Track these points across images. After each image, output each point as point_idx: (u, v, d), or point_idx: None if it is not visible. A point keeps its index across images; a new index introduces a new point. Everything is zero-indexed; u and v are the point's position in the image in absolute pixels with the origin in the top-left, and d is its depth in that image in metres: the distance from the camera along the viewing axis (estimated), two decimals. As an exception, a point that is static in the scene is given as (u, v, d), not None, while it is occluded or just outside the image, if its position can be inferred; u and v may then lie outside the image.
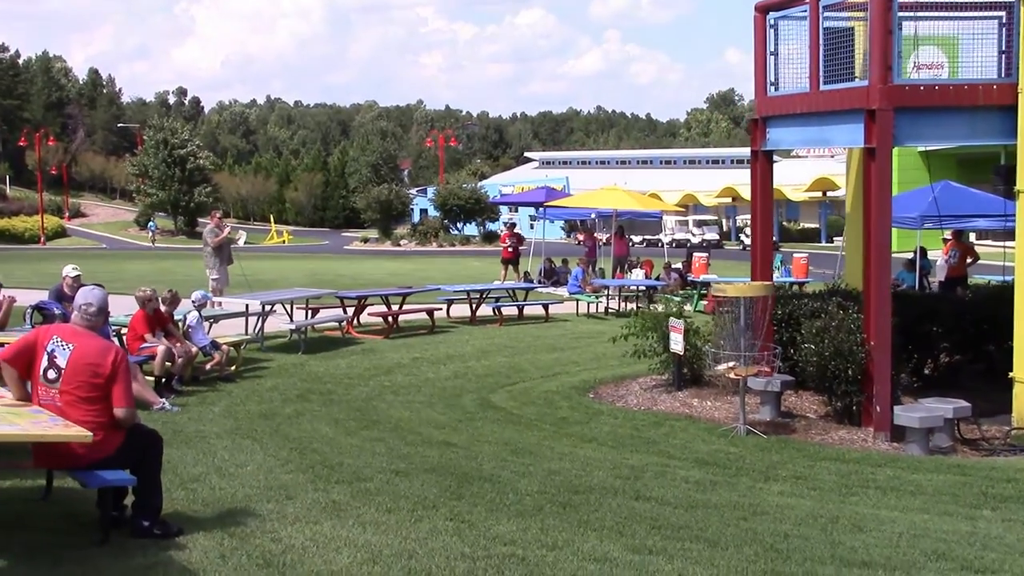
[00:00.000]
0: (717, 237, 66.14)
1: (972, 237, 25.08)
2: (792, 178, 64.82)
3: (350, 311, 19.72)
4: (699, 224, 68.28)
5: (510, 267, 30.54)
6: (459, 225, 67.43)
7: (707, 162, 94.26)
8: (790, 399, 12.70)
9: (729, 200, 71.84)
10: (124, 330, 13.48)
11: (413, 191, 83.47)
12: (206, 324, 14.64)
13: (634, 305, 24.14)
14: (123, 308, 14.89)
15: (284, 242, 73.55)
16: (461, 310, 21.96)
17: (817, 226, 68.18)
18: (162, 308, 13.33)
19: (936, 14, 12.11)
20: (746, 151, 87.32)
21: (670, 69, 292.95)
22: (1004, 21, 11.95)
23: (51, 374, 6.60)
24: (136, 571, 6.12)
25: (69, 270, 14.03)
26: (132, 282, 23.38)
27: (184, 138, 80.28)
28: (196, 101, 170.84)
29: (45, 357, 6.64)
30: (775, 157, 13.96)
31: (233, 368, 14.30)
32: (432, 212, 70.83)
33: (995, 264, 24.66)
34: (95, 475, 6.51)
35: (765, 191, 13.27)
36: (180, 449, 9.31)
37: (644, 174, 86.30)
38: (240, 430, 10.70)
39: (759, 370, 11.53)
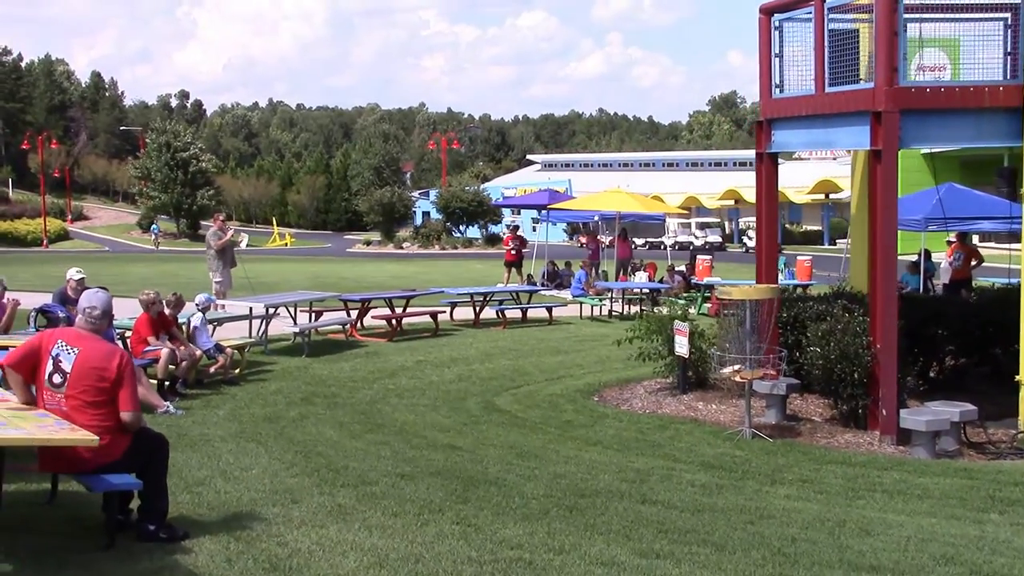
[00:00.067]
0: (720, 240, 66.10)
1: (975, 239, 25.06)
2: (794, 180, 64.79)
3: (353, 314, 19.69)
4: (702, 227, 68.26)
5: (513, 270, 30.52)
6: (462, 228, 67.45)
7: (709, 164, 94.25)
8: (795, 402, 12.67)
9: (732, 202, 71.88)
10: (128, 333, 13.46)
11: (415, 194, 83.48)
12: (210, 327, 14.64)
13: (637, 308, 24.10)
14: (127, 311, 14.90)
15: (286, 245, 73.57)
16: (464, 313, 21.94)
17: (820, 228, 68.15)
18: (166, 311, 13.32)
19: (941, 16, 12.08)
20: (749, 153, 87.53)
21: (672, 71, 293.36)
22: (1010, 22, 11.90)
23: (56, 378, 6.58)
24: (142, 575, 6.10)
25: (73, 273, 14.01)
26: (135, 285, 23.40)
27: (187, 141, 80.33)
28: (198, 104, 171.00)
29: (50, 361, 6.61)
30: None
31: (237, 371, 14.28)
32: (434, 215, 70.89)
33: (999, 267, 24.65)
34: (101, 479, 6.49)
35: (770, 193, 13.25)
36: (185, 452, 9.29)
37: (646, 177, 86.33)
38: (244, 433, 10.68)
39: (764, 373, 11.49)
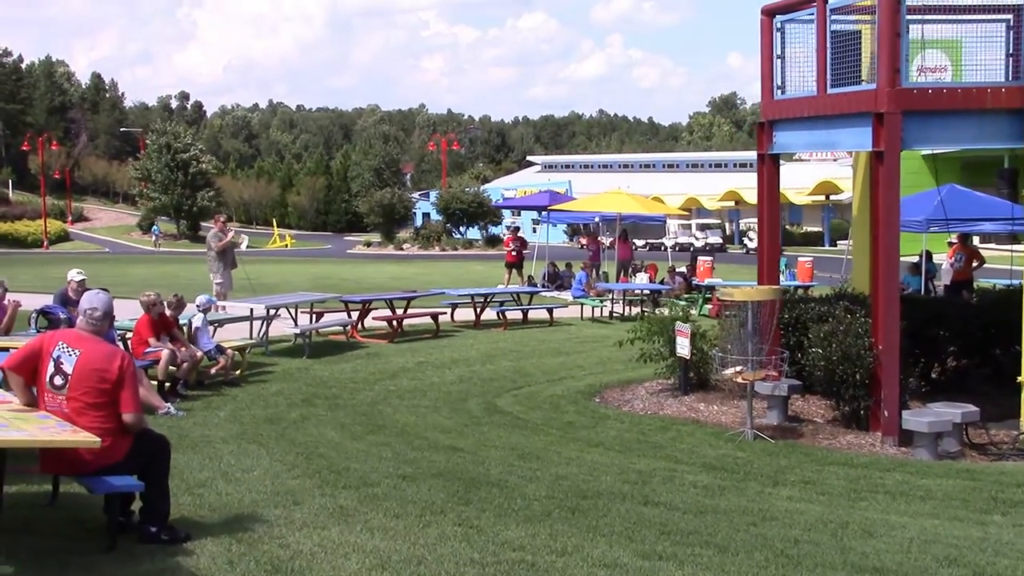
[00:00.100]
0: (720, 241, 66.09)
1: (975, 241, 25.04)
2: (795, 182, 64.77)
3: (354, 315, 19.68)
4: (702, 228, 68.24)
5: (514, 271, 30.51)
6: (462, 229, 67.44)
7: (710, 166, 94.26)
8: (797, 403, 12.66)
9: (732, 204, 71.86)
10: (129, 334, 13.45)
11: (415, 195, 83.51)
12: (210, 328, 14.62)
13: (638, 309, 24.09)
14: (128, 312, 14.89)
15: (287, 246, 73.59)
16: (465, 314, 21.92)
17: (820, 230, 68.11)
18: (167, 312, 13.31)
19: (943, 17, 12.07)
20: (749, 155, 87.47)
21: (672, 73, 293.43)
22: (1012, 24, 11.91)
23: (58, 380, 6.56)
24: (144, 577, 6.09)
25: (74, 274, 14.00)
26: (136, 286, 23.39)
27: (187, 142, 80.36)
28: (198, 105, 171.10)
29: (51, 363, 6.59)
30: (778, 160, 13.88)
31: (238, 372, 14.27)
32: (435, 216, 70.90)
33: (1000, 268, 24.66)
34: (103, 481, 6.47)
35: (772, 195, 13.24)
36: (186, 454, 9.27)
37: (647, 178, 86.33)
38: (246, 435, 10.66)
39: (766, 374, 11.48)
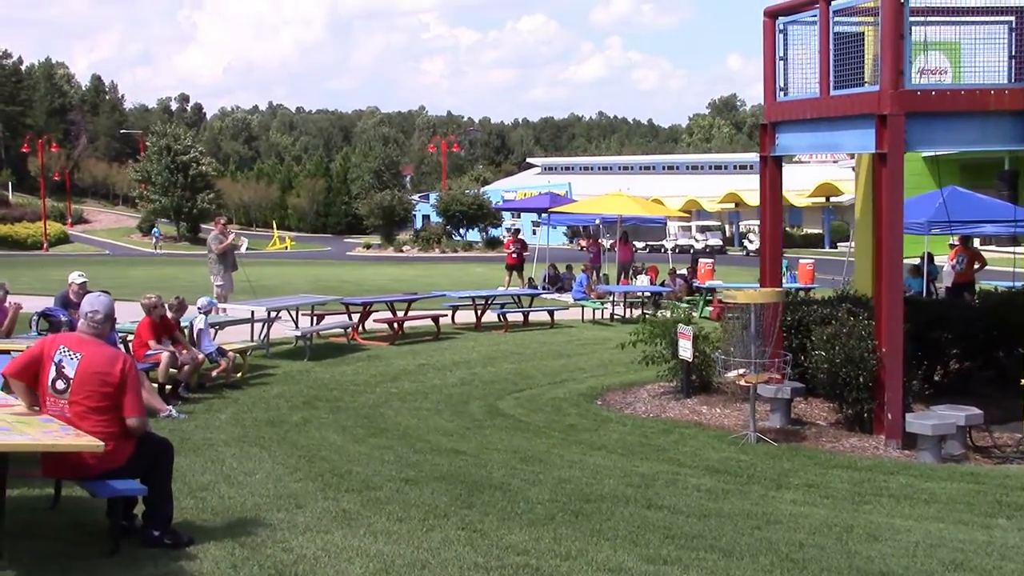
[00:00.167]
0: (720, 243, 66.11)
1: (976, 243, 25.01)
2: (795, 183, 64.77)
3: (355, 317, 19.65)
4: (702, 230, 68.25)
5: (514, 273, 30.49)
6: (462, 231, 67.42)
7: (710, 168, 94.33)
8: (800, 406, 12.62)
9: (732, 206, 71.88)
10: (130, 337, 13.41)
11: (415, 197, 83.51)
12: (212, 330, 14.59)
13: (639, 311, 24.07)
14: (129, 315, 14.86)
15: (286, 248, 73.55)
16: (466, 316, 21.89)
17: (820, 231, 68.13)
18: (169, 315, 13.27)
19: (946, 19, 12.05)
20: (749, 156, 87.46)
21: (672, 75, 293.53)
22: (1014, 25, 11.90)
23: (60, 384, 6.53)
24: (147, 582, 6.06)
25: (75, 276, 13.97)
26: (137, 288, 23.35)
27: (187, 144, 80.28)
28: (198, 107, 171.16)
29: (53, 367, 6.55)
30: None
31: (239, 375, 14.24)
32: (435, 218, 70.89)
33: (1000, 270, 24.63)
34: (105, 485, 6.44)
35: (774, 197, 13.21)
36: (188, 457, 9.23)
37: (647, 180, 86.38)
38: (248, 438, 10.63)
39: (769, 377, 11.45)
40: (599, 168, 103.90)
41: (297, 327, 17.79)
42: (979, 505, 8.82)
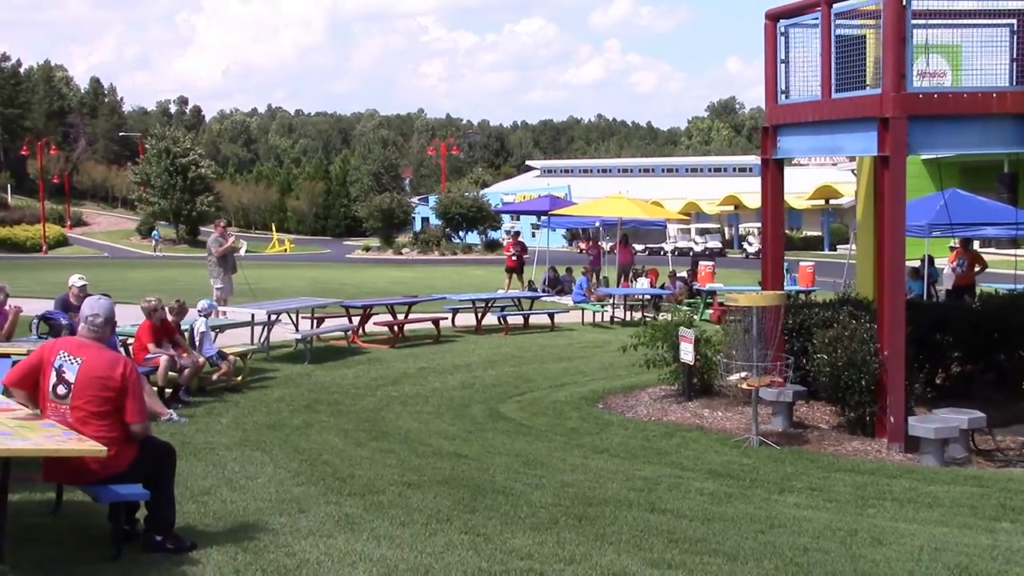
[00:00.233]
0: (720, 245, 66.10)
1: (976, 245, 25.02)
2: (794, 186, 64.73)
3: (355, 320, 19.63)
4: (702, 232, 68.22)
5: (514, 276, 30.48)
6: (461, 234, 67.38)
7: (709, 170, 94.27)
8: (801, 409, 12.61)
9: (731, 208, 71.85)
10: (131, 340, 13.39)
11: (415, 200, 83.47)
12: (212, 334, 14.56)
13: (639, 314, 24.06)
14: (129, 318, 14.81)
15: (286, 251, 73.51)
16: (466, 319, 21.87)
17: (820, 234, 68.11)
18: (169, 318, 13.25)
19: (948, 21, 12.06)
20: (748, 159, 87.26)
21: (671, 78, 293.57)
22: (1016, 28, 11.89)
23: (61, 389, 6.49)
24: (149, 587, 6.03)
25: (75, 279, 13.94)
26: (137, 291, 23.31)
27: (186, 147, 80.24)
28: (197, 110, 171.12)
29: (53, 373, 6.51)
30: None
31: (239, 378, 14.21)
32: (434, 221, 70.87)
33: (1001, 272, 24.61)
34: (108, 490, 6.41)
35: (776, 199, 13.20)
36: (189, 461, 9.20)
37: (646, 182, 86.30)
38: (249, 441, 10.61)
39: (771, 380, 11.42)
40: (598, 170, 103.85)
41: (297, 330, 17.76)
42: (983, 509, 8.81)
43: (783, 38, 12.65)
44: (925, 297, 20.28)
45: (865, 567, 6.83)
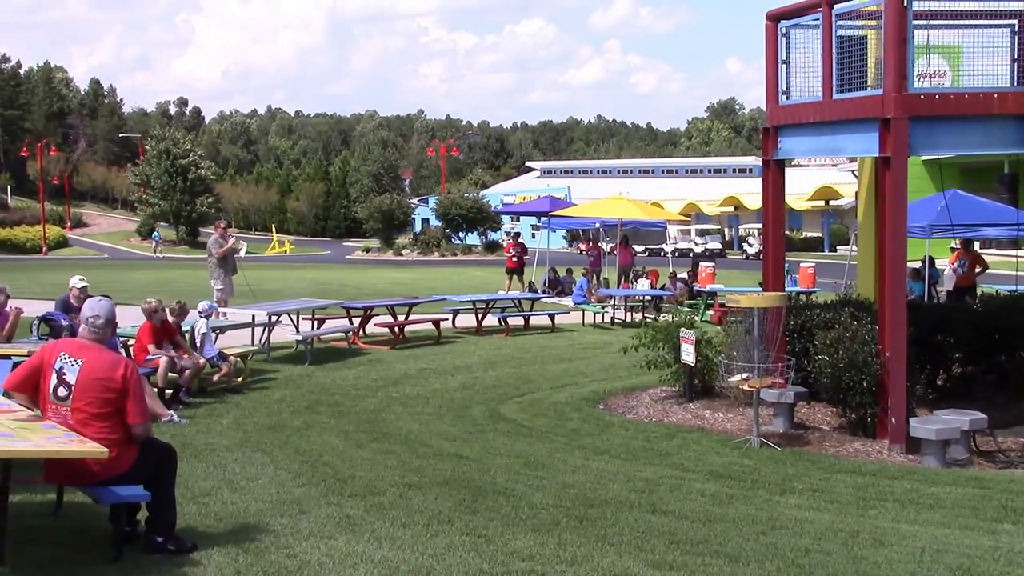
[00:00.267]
0: (720, 246, 66.11)
1: (976, 246, 25.04)
2: (794, 187, 64.71)
3: (356, 321, 19.63)
4: (702, 233, 68.22)
5: (514, 277, 30.47)
6: (461, 235, 67.39)
7: (709, 171, 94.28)
8: (802, 410, 12.60)
9: (731, 209, 71.85)
10: (131, 342, 13.38)
11: (414, 201, 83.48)
12: (213, 335, 14.56)
13: (640, 315, 24.05)
14: (129, 319, 14.80)
15: (286, 252, 73.51)
16: (466, 320, 21.86)
17: (820, 235, 68.14)
18: (170, 319, 13.24)
19: (949, 22, 12.06)
20: (748, 160, 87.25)
21: (671, 79, 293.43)
22: (1017, 29, 11.89)
23: (61, 391, 6.48)
24: (150, 588, 6.02)
25: (76, 281, 13.94)
26: (137, 292, 23.31)
27: (186, 148, 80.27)
28: (197, 111, 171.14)
29: (54, 375, 6.50)
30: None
31: (240, 379, 14.20)
32: (434, 222, 70.87)
33: (1002, 273, 24.61)
34: (109, 491, 6.40)
35: (776, 200, 13.19)
36: (190, 462, 9.19)
37: (646, 183, 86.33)
38: (249, 442, 10.60)
39: (772, 381, 11.41)
40: (598, 171, 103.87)
41: (298, 331, 17.75)
42: (984, 510, 8.79)
43: (784, 39, 12.64)
44: (926, 298, 20.28)
45: (867, 569, 6.82)
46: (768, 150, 13.01)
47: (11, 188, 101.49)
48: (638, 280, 28.69)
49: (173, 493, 6.76)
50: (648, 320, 22.08)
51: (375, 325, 19.87)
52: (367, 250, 68.59)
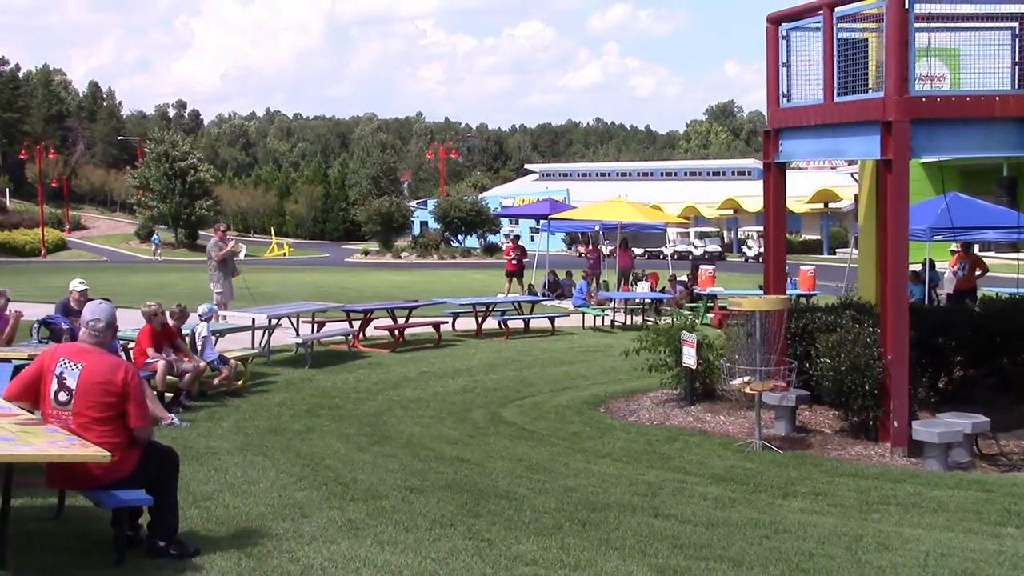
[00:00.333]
0: (719, 249, 66.08)
1: (975, 249, 25.06)
2: (793, 190, 64.60)
3: (356, 324, 19.60)
4: (701, 236, 68.21)
5: (514, 280, 30.46)
6: (460, 237, 67.35)
7: (708, 174, 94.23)
8: (804, 414, 12.57)
9: (731, 212, 71.84)
10: (131, 345, 13.35)
11: (413, 203, 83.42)
12: (213, 338, 14.53)
13: (640, 318, 24.04)
14: (129, 322, 14.77)
15: (284, 255, 73.47)
16: (466, 323, 21.85)
17: (819, 238, 68.13)
18: (170, 322, 13.21)
19: (950, 25, 12.05)
20: (747, 163, 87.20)
21: (669, 82, 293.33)
22: (1018, 31, 11.88)
23: (62, 396, 6.45)
24: (153, 593, 6.00)
25: (76, 284, 13.91)
26: (136, 295, 23.28)
27: (185, 151, 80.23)
28: (196, 114, 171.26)
29: (54, 380, 6.47)
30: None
31: (241, 383, 14.18)
32: (433, 224, 70.77)
33: (1002, 276, 24.61)
34: (111, 495, 6.38)
35: (778, 203, 13.17)
36: (191, 466, 9.16)
37: (645, 186, 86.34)
38: (251, 446, 10.57)
39: (774, 384, 11.40)
40: (597, 174, 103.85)
41: (298, 334, 17.73)
42: (988, 514, 8.77)
43: (785, 42, 12.62)
44: (926, 301, 20.26)
45: (871, 573, 6.80)
46: (769, 153, 12.99)
47: (9, 191, 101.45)
48: (638, 283, 28.68)
49: (175, 497, 6.73)
50: (648, 323, 22.07)
51: (375, 328, 19.85)
52: (366, 253, 68.53)
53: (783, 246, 13.59)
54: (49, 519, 7.29)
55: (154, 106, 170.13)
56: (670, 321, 15.13)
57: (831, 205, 63.58)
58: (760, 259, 43.87)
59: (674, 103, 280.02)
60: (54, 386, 6.47)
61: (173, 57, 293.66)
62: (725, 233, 73.76)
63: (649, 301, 25.33)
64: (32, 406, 6.63)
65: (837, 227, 66.22)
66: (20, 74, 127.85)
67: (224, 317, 18.43)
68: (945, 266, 24.05)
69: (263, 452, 10.26)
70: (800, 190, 66.58)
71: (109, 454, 6.15)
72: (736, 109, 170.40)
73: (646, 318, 23.81)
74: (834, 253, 61.63)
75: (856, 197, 22.93)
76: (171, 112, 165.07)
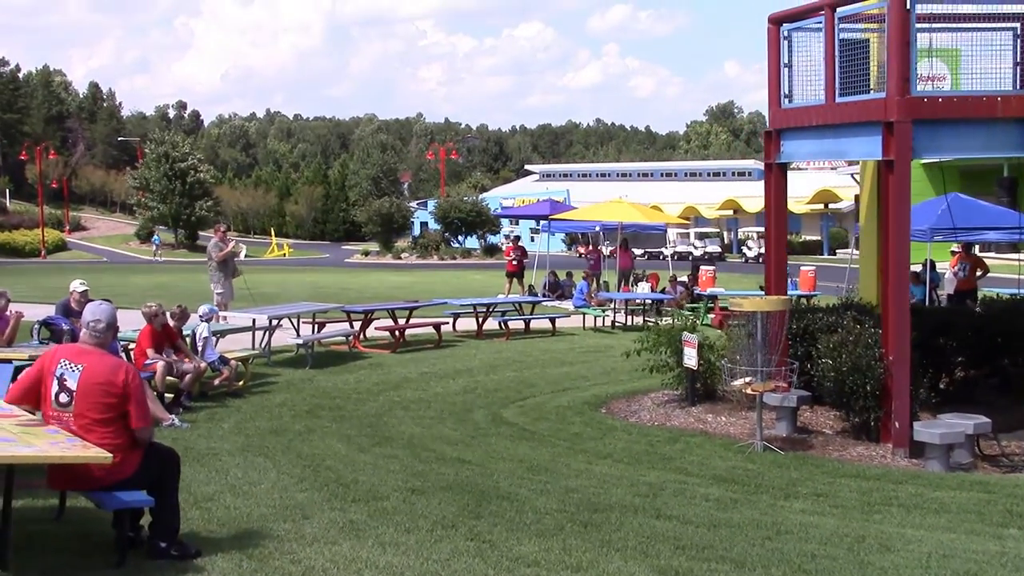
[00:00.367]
0: (719, 250, 66.08)
1: (976, 250, 25.05)
2: (793, 190, 64.55)
3: (356, 325, 19.59)
4: (701, 236, 68.21)
5: (514, 280, 30.45)
6: (460, 238, 67.35)
7: (708, 174, 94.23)
8: (805, 414, 12.56)
9: (731, 212, 71.83)
10: (132, 346, 13.34)
11: (413, 204, 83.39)
12: (213, 338, 14.52)
13: (640, 319, 24.03)
14: (130, 323, 14.76)
15: (284, 255, 73.47)
16: (467, 324, 21.83)
17: (819, 238, 68.13)
18: (171, 323, 13.20)
19: (951, 25, 12.04)
20: (747, 163, 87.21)
21: (669, 82, 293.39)
22: (1019, 32, 11.87)
23: (63, 398, 6.44)
24: (154, 594, 5.99)
25: (76, 285, 13.90)
26: (137, 296, 23.27)
27: (185, 152, 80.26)
28: (196, 115, 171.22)
29: (55, 382, 6.45)
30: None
31: (241, 383, 14.17)
32: (433, 225, 70.78)
33: (1002, 277, 24.60)
34: (113, 497, 6.36)
35: (779, 204, 13.16)
36: (192, 467, 9.14)
37: (645, 186, 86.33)
38: (251, 447, 10.56)
39: (775, 385, 11.38)
40: (597, 175, 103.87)
41: (299, 335, 17.72)
42: (990, 515, 8.76)
43: (786, 42, 12.61)
44: (927, 302, 20.25)
45: (874, 574, 6.79)
46: (770, 153, 12.98)
47: (10, 192, 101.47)
48: (638, 283, 28.67)
49: (176, 498, 6.72)
50: (649, 324, 22.06)
51: (376, 329, 19.84)
52: (366, 253, 68.52)
53: (784, 247, 13.57)
54: (50, 520, 7.27)
55: (154, 107, 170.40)
56: (671, 322, 15.13)
57: (831, 206, 63.59)
58: (760, 260, 43.89)
59: (674, 104, 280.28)
60: (55, 387, 6.45)
61: (173, 58, 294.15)
62: (725, 234, 73.78)
63: (650, 302, 25.32)
64: (33, 408, 6.62)
65: (837, 228, 66.22)
66: (20, 75, 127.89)
67: (224, 318, 18.43)
68: (946, 267, 24.04)
69: (264, 453, 10.24)
70: (800, 191, 66.54)
71: (110, 455, 6.14)
72: (736, 110, 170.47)
73: (647, 319, 23.80)
74: (834, 254, 61.62)
75: (856, 198, 22.93)
76: (171, 113, 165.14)
